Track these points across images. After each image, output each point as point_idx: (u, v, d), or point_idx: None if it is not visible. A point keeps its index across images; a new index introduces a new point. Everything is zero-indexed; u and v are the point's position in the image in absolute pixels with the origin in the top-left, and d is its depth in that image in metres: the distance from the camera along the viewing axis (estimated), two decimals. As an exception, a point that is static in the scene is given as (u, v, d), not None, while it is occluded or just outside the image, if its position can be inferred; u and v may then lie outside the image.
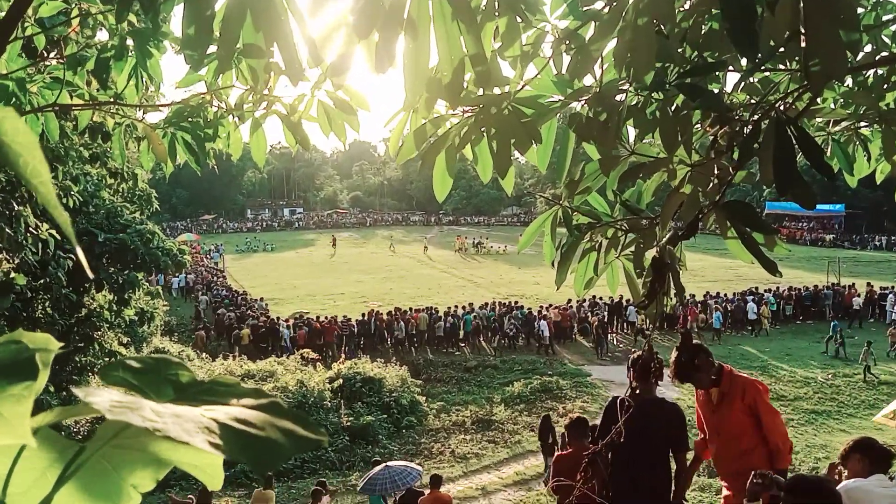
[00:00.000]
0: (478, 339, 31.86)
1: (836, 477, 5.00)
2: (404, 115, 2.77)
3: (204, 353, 29.10)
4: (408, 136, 2.72)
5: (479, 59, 2.19)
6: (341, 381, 23.12)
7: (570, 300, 33.05)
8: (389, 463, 14.63)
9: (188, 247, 23.13)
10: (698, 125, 2.87)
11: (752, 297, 35.35)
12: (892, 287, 37.39)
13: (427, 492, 13.42)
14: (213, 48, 2.28)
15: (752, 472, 4.47)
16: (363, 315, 32.44)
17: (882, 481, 4.49)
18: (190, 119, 3.40)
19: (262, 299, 39.40)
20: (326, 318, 32.36)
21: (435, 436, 22.04)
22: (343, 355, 26.97)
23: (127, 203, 18.37)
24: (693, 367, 5.27)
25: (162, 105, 4.21)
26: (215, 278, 47.30)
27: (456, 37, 2.12)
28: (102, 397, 0.61)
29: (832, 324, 31.03)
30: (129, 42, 3.39)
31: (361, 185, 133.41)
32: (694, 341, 5.42)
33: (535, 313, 32.61)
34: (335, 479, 19.02)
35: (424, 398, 24.36)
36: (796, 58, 2.42)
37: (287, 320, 32.89)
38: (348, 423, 21.34)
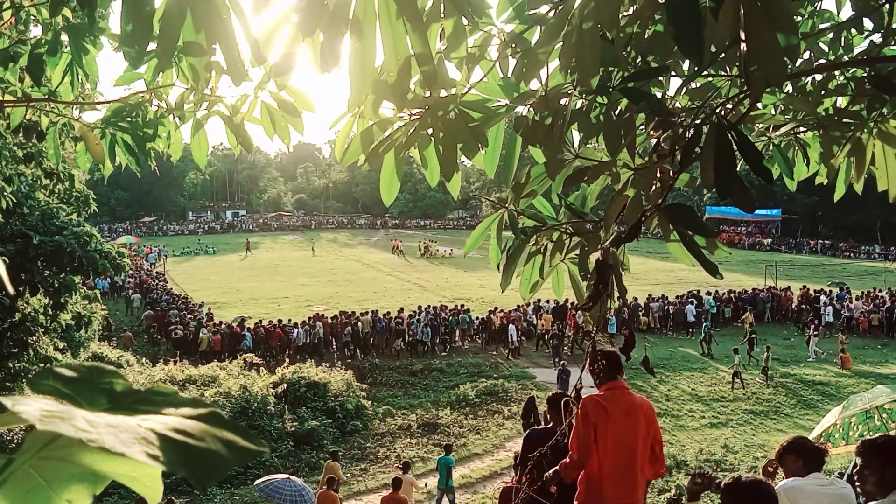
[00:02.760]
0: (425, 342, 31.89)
1: (771, 477, 5.10)
2: (350, 117, 2.74)
3: (144, 359, 28.44)
4: (354, 138, 2.69)
5: (426, 58, 2.17)
6: (285, 385, 22.86)
7: (518, 306, 33.28)
8: (292, 476, 14.56)
9: (127, 249, 22.62)
10: (642, 129, 2.91)
11: (691, 300, 36.09)
12: (829, 291, 38.60)
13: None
14: (152, 45, 2.22)
15: (693, 473, 4.55)
16: (308, 319, 32.13)
17: (820, 479, 4.59)
18: (129, 118, 3.31)
19: (202, 304, 38.68)
20: (270, 322, 31.98)
21: (380, 440, 21.96)
22: (287, 360, 26.67)
23: (64, 204, 17.85)
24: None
25: (99, 103, 4.09)
26: (154, 282, 46.29)
27: (402, 36, 2.10)
28: (32, 406, 0.58)
29: (704, 325, 32.21)
30: (64, 38, 3.28)
31: (306, 187, 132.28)
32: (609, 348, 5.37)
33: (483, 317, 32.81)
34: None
35: (370, 402, 24.25)
36: (737, 64, 2.46)
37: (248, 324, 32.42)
38: (293, 429, 21.11)
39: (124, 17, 2.09)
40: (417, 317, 32.57)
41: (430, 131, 2.67)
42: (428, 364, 29.51)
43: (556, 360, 28.22)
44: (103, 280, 39.10)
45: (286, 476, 14.38)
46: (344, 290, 45.87)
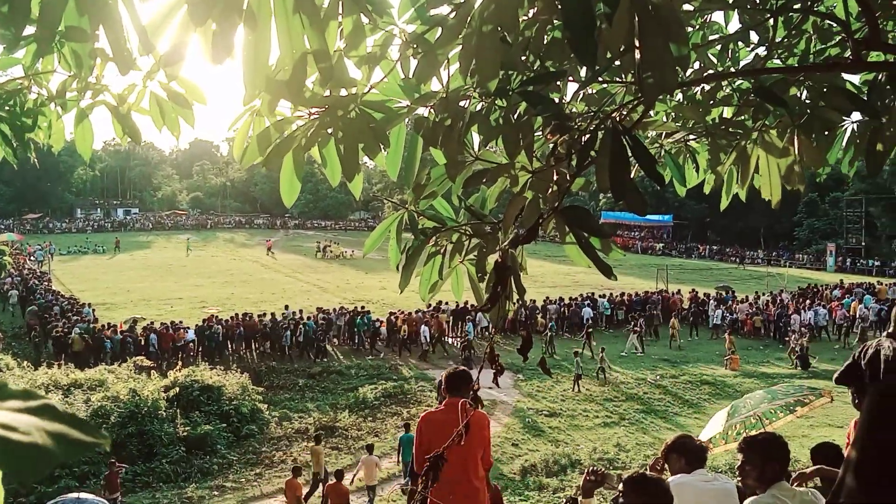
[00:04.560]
0: (323, 345, 31.56)
1: (659, 475, 5.26)
2: (248, 116, 2.67)
3: (26, 362, 26.95)
4: (252, 138, 2.63)
5: (323, 55, 2.13)
6: (178, 389, 22.13)
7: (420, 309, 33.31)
8: (81, 495, 14.23)
9: (8, 247, 21.49)
10: (540, 133, 2.95)
11: (587, 303, 37.04)
12: (719, 294, 40.31)
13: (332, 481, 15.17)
14: (31, 28, 2.09)
15: (587, 470, 4.64)
16: (202, 321, 31.27)
17: (704, 476, 4.76)
18: (7, 107, 3.12)
19: (86, 305, 37.01)
20: (162, 324, 30.97)
21: (276, 444, 21.58)
22: (180, 362, 25.86)
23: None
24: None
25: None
26: (38, 281, 44.01)
27: (298, 31, 2.06)
28: None
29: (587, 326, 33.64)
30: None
31: (203, 185, 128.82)
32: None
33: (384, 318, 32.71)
34: (170, 491, 18.23)
35: (266, 406, 23.78)
36: (631, 71, 2.53)
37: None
38: (185, 434, 20.46)
39: (1, -1, 1.97)
40: (324, 316, 32.28)
41: (330, 131, 2.63)
42: (326, 367, 29.20)
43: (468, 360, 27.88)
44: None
45: (76, 496, 14.00)
46: (241, 292, 44.87)
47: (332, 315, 33.03)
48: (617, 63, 2.60)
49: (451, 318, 33.59)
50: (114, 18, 1.93)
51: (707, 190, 3.95)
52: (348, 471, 17.80)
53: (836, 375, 6.49)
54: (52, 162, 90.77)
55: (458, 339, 33.41)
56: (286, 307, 34.64)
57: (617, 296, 38.72)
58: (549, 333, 32.09)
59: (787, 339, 32.16)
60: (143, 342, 29.41)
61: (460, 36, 2.29)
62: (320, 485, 17.24)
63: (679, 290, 41.67)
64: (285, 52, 2.14)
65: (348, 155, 2.58)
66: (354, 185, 2.78)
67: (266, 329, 31.21)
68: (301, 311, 33.20)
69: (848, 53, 3.17)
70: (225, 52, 2.00)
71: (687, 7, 3.03)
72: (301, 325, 31.05)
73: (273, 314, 32.43)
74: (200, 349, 29.97)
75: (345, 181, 2.82)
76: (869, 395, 1.41)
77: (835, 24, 3.31)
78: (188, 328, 30.63)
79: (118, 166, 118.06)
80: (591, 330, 33.12)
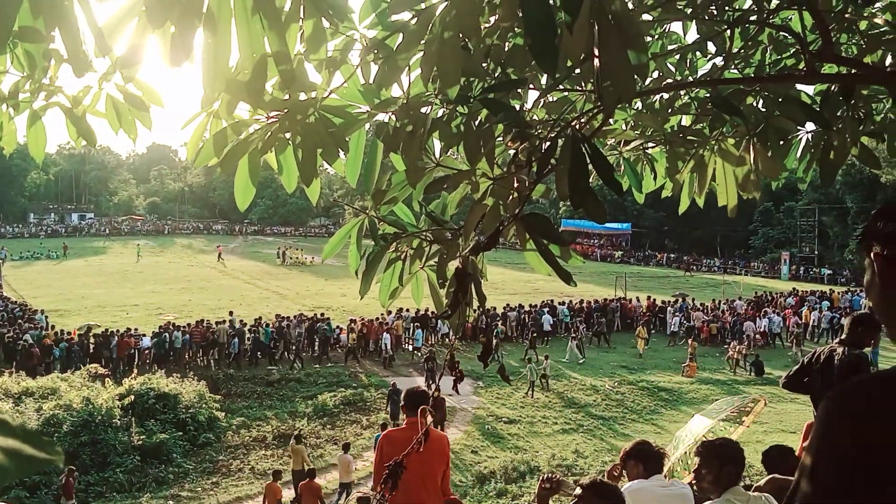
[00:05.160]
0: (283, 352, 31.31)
1: (616, 481, 5.30)
2: (205, 116, 2.63)
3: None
4: (208, 139, 2.59)
5: (283, 58, 2.11)
6: (133, 397, 21.73)
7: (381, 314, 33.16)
8: None
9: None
10: (501, 140, 2.96)
11: (547, 309, 37.27)
12: (677, 301, 40.84)
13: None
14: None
15: (542, 477, 4.66)
16: (159, 328, 30.79)
17: (661, 481, 4.81)
18: (-44, 108, 3.03)
19: (38, 311, 36.23)
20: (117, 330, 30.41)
21: (234, 452, 21.31)
22: (135, 370, 25.42)
23: None
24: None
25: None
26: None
27: (258, 34, 2.03)
28: None
29: (530, 333, 34.14)
30: None
31: (160, 190, 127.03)
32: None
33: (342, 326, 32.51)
34: (124, 501, 17.91)
35: (223, 414, 23.46)
36: (591, 79, 2.55)
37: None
38: (140, 442, 20.10)
39: (-49, -3, 1.92)
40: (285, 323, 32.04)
41: (288, 135, 2.60)
42: (285, 374, 28.93)
43: (430, 381, 27.01)
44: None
45: None
46: (199, 298, 44.31)
47: (292, 322, 32.70)
48: (577, 71, 2.62)
49: (411, 324, 33.50)
50: (69, 19, 1.89)
51: (665, 195, 3.99)
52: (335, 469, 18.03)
53: (783, 381, 6.62)
54: (3, 165, 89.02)
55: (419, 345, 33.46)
56: (230, 314, 34.30)
57: (576, 303, 39.01)
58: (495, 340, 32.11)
59: (726, 346, 32.71)
60: (93, 349, 28.80)
61: (421, 42, 2.29)
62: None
63: (637, 297, 42.14)
64: (245, 55, 2.11)
65: (306, 159, 2.56)
66: (312, 190, 2.75)
67: (213, 337, 30.70)
68: (260, 319, 32.84)
69: (802, 65, 3.23)
70: (184, 55, 1.97)
71: (646, 17, 3.06)
72: (250, 333, 30.75)
73: (231, 321, 32.09)
74: (154, 356, 29.37)
75: (303, 187, 2.79)
76: (823, 401, 1.43)
77: (790, 36, 3.38)
78: (143, 335, 30.12)
79: (73, 170, 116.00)
80: (535, 335, 33.62)
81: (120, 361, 28.54)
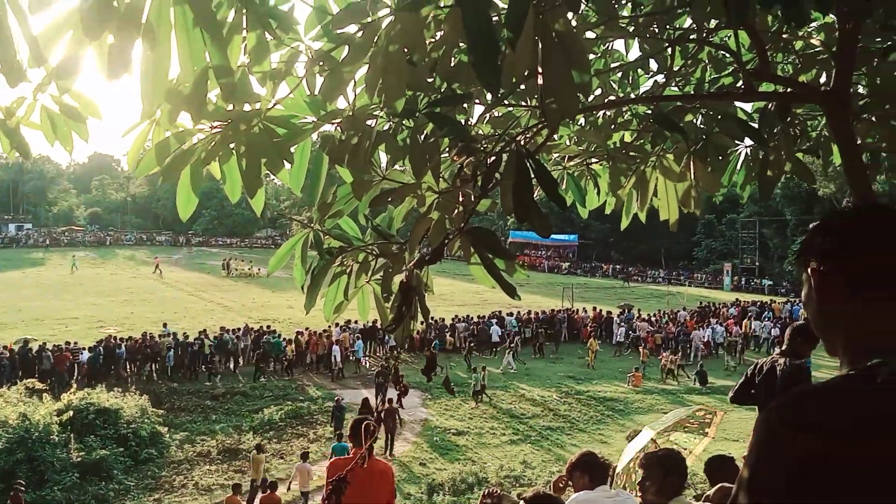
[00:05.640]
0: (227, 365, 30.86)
1: (561, 493, 5.33)
2: (146, 125, 2.58)
3: None
4: (149, 149, 2.54)
5: (224, 71, 2.09)
6: (72, 412, 21.12)
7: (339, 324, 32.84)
8: None
9: None
10: (447, 154, 2.97)
11: (495, 321, 37.43)
12: (623, 311, 41.44)
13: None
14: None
15: (483, 492, 4.67)
16: (99, 341, 30.04)
17: (607, 492, 4.85)
18: None
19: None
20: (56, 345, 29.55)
21: (177, 468, 20.85)
22: (74, 385, 24.73)
23: None
24: None
25: None
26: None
27: (199, 46, 2.01)
28: None
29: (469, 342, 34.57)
30: None
31: (102, 200, 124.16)
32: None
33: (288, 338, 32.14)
34: (62, 521, 17.42)
35: (167, 429, 22.95)
36: (535, 95, 2.58)
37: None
38: (79, 459, 19.52)
39: None
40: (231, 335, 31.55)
41: (232, 145, 2.57)
42: (231, 388, 28.45)
43: (380, 395, 26.44)
44: None
45: None
46: (141, 311, 43.33)
47: (237, 333, 32.23)
48: (522, 87, 2.65)
49: (359, 336, 33.29)
50: (2, 28, 1.83)
51: (608, 211, 4.05)
52: (282, 483, 17.91)
53: (730, 396, 6.74)
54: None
55: (367, 358, 33.33)
56: (164, 325, 33.67)
57: (524, 314, 39.25)
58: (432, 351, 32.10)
59: (660, 357, 33.21)
60: (28, 363, 27.91)
61: (367, 55, 2.28)
62: (258, 492, 17.35)
63: (584, 308, 42.60)
64: (186, 68, 2.08)
65: (250, 170, 2.53)
66: (256, 201, 2.73)
67: (149, 350, 30.00)
68: (204, 331, 32.28)
69: (740, 83, 3.31)
70: (122, 67, 1.93)
71: (589, 35, 3.10)
72: (188, 346, 30.22)
73: (175, 334, 31.49)
74: (90, 370, 28.51)
75: (247, 198, 2.76)
76: (762, 413, 1.46)
77: (728, 55, 3.46)
78: (83, 349, 29.33)
79: (10, 180, 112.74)
80: (472, 344, 33.89)
81: (59, 376, 27.70)
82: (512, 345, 34.18)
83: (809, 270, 1.57)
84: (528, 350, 35.97)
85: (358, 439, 5.62)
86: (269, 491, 15.98)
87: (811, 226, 1.62)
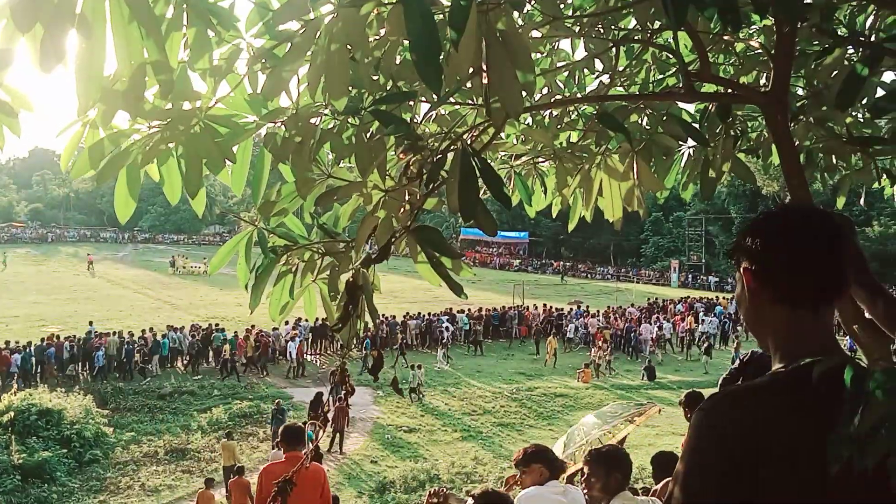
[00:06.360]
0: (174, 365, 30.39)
1: (511, 489, 5.35)
2: (80, 126, 2.51)
3: None
4: (83, 150, 2.48)
5: (162, 67, 2.04)
6: (12, 414, 20.59)
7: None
8: None
9: None
10: (393, 152, 2.95)
11: (447, 318, 37.49)
12: (572, 308, 41.93)
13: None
14: None
15: (429, 492, 4.67)
16: (41, 340, 29.29)
17: (556, 487, 4.88)
18: None
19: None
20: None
21: (123, 469, 20.46)
22: (14, 385, 24.09)
23: None
24: None
25: None
26: None
27: (136, 41, 1.96)
28: None
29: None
30: None
31: (43, 196, 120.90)
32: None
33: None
34: (2, 525, 16.97)
35: (112, 429, 22.50)
36: (481, 95, 2.58)
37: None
38: (20, 461, 19.05)
39: None
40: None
41: (171, 145, 2.52)
42: (178, 387, 28.02)
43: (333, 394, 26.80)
44: None
45: None
46: (85, 309, 42.36)
47: (184, 332, 31.76)
48: (468, 85, 2.65)
49: (311, 335, 33.08)
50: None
51: (554, 212, 4.08)
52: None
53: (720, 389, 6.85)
54: None
55: (318, 356, 33.17)
56: (90, 324, 32.98)
57: (475, 311, 39.38)
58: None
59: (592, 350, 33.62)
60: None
61: (308, 53, 2.26)
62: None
63: (535, 305, 42.92)
64: (122, 62, 2.03)
65: (190, 171, 2.49)
66: (197, 202, 2.68)
67: (73, 351, 29.29)
68: (151, 329, 31.71)
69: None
70: (55, 59, 1.87)
71: (535, 34, 3.12)
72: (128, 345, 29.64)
73: (119, 332, 30.87)
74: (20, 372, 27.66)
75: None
76: (695, 411, 1.50)
77: (672, 56, 3.51)
78: (18, 350, 28.50)
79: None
80: (405, 341, 34.06)
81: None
82: (445, 342, 34.43)
83: (742, 270, 1.60)
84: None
85: (290, 446, 5.66)
86: (237, 476, 15.91)
87: (743, 227, 1.66)
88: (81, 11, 1.85)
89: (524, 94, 2.33)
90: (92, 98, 2.02)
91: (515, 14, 2.49)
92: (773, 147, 3.58)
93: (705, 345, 34.66)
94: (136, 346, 29.73)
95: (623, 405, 12.71)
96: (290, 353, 30.59)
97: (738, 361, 6.61)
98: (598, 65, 3.67)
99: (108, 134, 2.36)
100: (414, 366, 27.55)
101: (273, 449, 18.44)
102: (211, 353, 31.44)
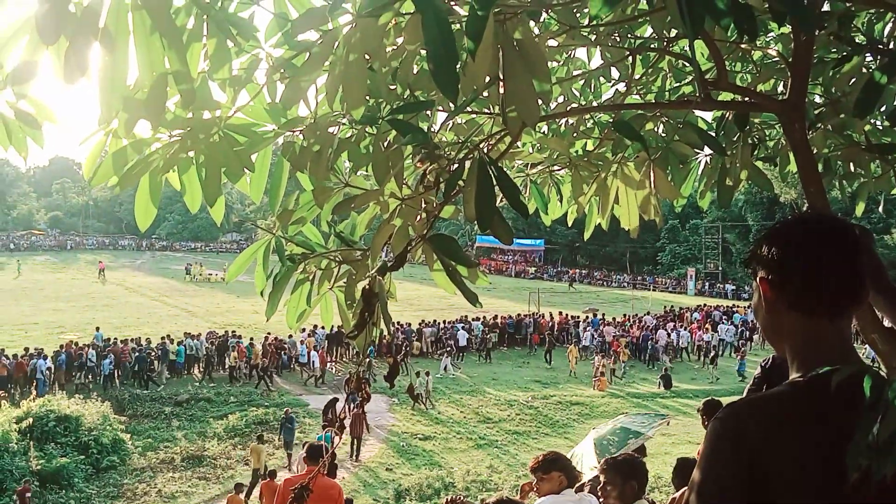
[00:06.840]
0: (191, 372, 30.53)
1: (525, 497, 5.34)
2: (103, 135, 2.54)
3: None
4: (106, 158, 2.51)
5: (183, 77, 2.07)
6: (31, 420, 20.75)
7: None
8: None
9: None
10: (410, 160, 2.97)
11: (462, 325, 37.47)
12: (588, 316, 41.83)
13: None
14: None
15: (446, 499, 4.68)
16: (60, 347, 29.51)
17: (572, 496, 4.88)
18: None
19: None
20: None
21: (140, 475, 20.60)
22: (34, 392, 24.30)
23: None
24: None
25: None
26: None
27: (158, 52, 1.99)
28: None
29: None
30: None
31: (63, 204, 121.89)
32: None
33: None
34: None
35: (129, 436, 22.65)
36: (497, 103, 2.59)
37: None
38: (38, 467, 19.22)
39: None
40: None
41: (191, 154, 2.55)
42: (195, 394, 28.15)
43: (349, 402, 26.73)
44: None
45: None
46: (103, 317, 42.62)
47: (201, 339, 31.90)
48: (486, 94, 2.66)
49: (327, 342, 33.14)
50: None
51: (570, 220, 4.08)
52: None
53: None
54: None
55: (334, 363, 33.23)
56: (97, 329, 33.25)
57: (490, 319, 39.32)
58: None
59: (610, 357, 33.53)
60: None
61: (326, 63, 2.28)
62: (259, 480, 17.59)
63: (550, 312, 42.83)
64: (144, 73, 2.06)
65: (210, 179, 2.52)
66: (216, 210, 2.70)
67: (82, 360, 29.36)
68: (168, 336, 31.89)
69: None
70: (79, 72, 1.90)
71: (551, 43, 3.13)
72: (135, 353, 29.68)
73: (137, 339, 31.07)
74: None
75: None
76: (712, 420, 1.50)
77: (688, 65, 3.51)
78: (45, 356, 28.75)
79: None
80: (408, 350, 33.86)
81: (18, 383, 27.13)
82: (449, 349, 34.37)
83: (758, 279, 1.60)
84: (494, 354, 36.13)
85: (313, 461, 5.78)
86: (269, 479, 16.07)
87: (760, 235, 1.65)
88: (105, 25, 1.88)
89: (540, 103, 2.34)
90: (114, 108, 2.05)
91: (532, 23, 2.50)
92: (791, 155, 3.57)
93: (712, 354, 34.61)
94: (150, 352, 29.84)
95: (650, 416, 12.75)
96: (312, 362, 30.58)
97: (759, 368, 6.59)
98: (615, 73, 3.68)
99: (130, 142, 2.39)
100: (419, 372, 27.53)
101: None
102: (227, 361, 31.49)
